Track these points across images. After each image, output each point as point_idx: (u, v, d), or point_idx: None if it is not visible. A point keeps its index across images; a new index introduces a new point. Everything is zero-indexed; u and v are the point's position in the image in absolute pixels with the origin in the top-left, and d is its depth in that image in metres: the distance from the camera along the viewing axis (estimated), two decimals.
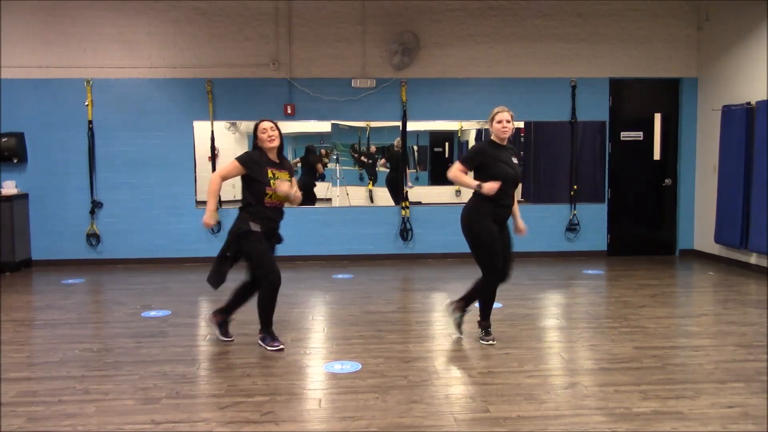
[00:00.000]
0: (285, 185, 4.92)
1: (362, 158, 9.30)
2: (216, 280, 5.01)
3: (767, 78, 7.79)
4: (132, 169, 8.86)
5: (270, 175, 4.92)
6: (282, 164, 5.05)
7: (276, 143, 4.97)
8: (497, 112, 5.04)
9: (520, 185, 5.20)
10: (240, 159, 4.97)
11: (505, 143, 5.07)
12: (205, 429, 3.65)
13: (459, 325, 5.32)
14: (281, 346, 5.03)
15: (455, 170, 5.01)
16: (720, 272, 8.14)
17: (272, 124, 5.01)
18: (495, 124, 5.02)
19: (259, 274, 4.97)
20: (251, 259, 4.97)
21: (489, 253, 5.00)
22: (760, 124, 7.76)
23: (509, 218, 5.14)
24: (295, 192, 5.01)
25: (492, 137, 5.08)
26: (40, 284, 7.84)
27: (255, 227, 4.92)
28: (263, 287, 4.97)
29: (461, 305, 5.29)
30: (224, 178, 4.95)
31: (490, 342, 5.13)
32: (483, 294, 5.15)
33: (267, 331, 5.09)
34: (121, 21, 8.72)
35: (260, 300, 5.00)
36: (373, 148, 9.30)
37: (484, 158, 4.99)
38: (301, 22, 8.89)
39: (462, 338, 5.28)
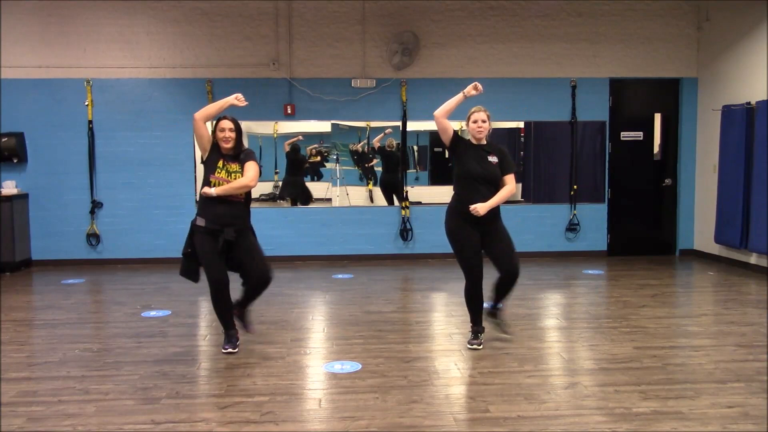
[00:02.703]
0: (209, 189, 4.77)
1: (365, 164, 9.28)
2: (186, 275, 4.99)
3: (767, 78, 7.80)
4: (132, 169, 8.86)
5: (220, 165, 4.82)
6: (236, 157, 4.87)
7: (230, 145, 4.83)
8: (472, 112, 4.97)
9: (513, 185, 4.95)
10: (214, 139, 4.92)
11: (481, 143, 4.96)
12: (205, 429, 3.65)
13: (499, 326, 5.20)
14: (231, 350, 4.94)
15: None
16: (720, 272, 8.14)
17: (231, 125, 4.85)
18: (470, 124, 4.95)
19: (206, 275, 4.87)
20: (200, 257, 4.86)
21: (459, 255, 4.97)
22: (760, 124, 7.76)
23: (494, 215, 4.91)
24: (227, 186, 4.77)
25: (468, 137, 4.99)
26: (40, 284, 7.84)
27: (200, 221, 4.81)
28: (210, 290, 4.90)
29: (489, 311, 5.21)
30: (202, 118, 4.88)
31: (475, 347, 5.01)
32: (465, 296, 5.08)
33: (225, 333, 5.04)
34: (121, 21, 8.72)
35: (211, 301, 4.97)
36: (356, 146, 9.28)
37: (460, 144, 4.94)
38: (301, 22, 8.89)
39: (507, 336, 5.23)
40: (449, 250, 4.80)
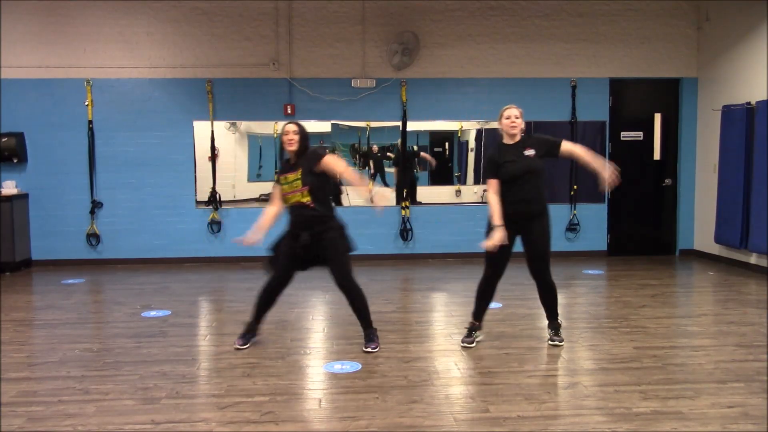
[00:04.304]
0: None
1: (370, 160, 9.30)
2: (266, 267, 5.20)
3: (767, 78, 7.79)
4: (132, 169, 8.86)
5: (281, 180, 4.96)
6: (295, 165, 4.91)
7: (293, 147, 4.91)
8: (505, 109, 5.01)
9: (575, 146, 5.02)
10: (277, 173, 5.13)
11: (516, 140, 4.98)
12: (205, 429, 3.65)
13: (551, 337, 5.18)
14: (238, 346, 5.04)
15: (491, 193, 4.93)
16: (720, 272, 8.14)
17: (295, 128, 4.93)
18: (503, 121, 4.98)
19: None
20: None
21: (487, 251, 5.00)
22: (760, 124, 7.76)
23: (537, 214, 4.93)
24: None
25: (503, 138, 5.04)
26: (40, 284, 7.84)
27: (287, 225, 5.06)
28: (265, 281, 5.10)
29: (549, 324, 5.22)
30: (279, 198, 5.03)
31: (467, 345, 5.05)
32: (477, 287, 5.13)
33: (245, 326, 5.17)
34: (121, 21, 8.72)
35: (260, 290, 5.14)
36: (375, 148, 9.28)
37: (494, 165, 4.96)
38: (301, 22, 8.89)
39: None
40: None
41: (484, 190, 9.39)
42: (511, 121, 4.95)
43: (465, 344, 5.07)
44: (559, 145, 5.05)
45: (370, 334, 5.05)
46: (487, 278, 5.06)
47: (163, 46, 8.79)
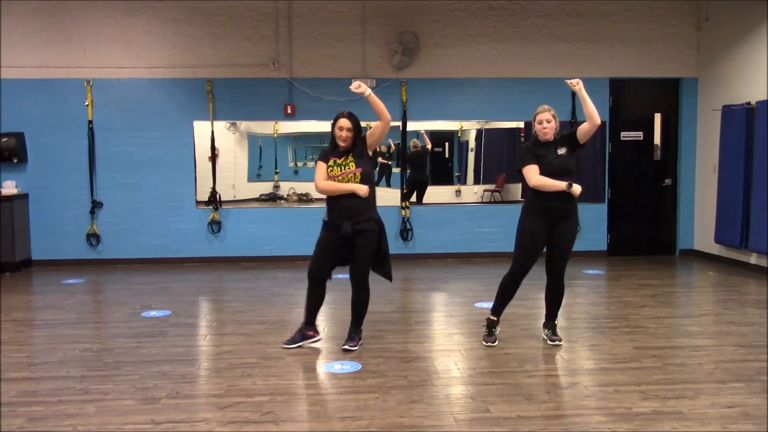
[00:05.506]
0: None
1: (380, 159, 9.33)
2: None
3: (767, 78, 7.79)
4: (132, 169, 8.86)
5: (330, 163, 4.91)
6: (346, 152, 4.90)
7: (346, 144, 4.89)
8: (538, 113, 5.00)
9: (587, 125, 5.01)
10: (319, 158, 5.01)
11: (549, 140, 5.01)
12: (205, 429, 3.65)
13: (550, 338, 5.20)
14: (286, 346, 5.05)
15: (534, 176, 4.89)
16: (720, 272, 8.14)
17: (349, 124, 4.89)
18: (536, 125, 5.00)
19: None
20: None
21: (518, 247, 5.03)
22: (760, 124, 7.76)
23: (569, 213, 4.95)
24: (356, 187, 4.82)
25: (537, 135, 5.05)
26: (40, 284, 7.84)
27: (324, 216, 4.99)
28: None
29: (546, 323, 5.27)
30: (325, 180, 4.91)
31: (490, 344, 5.08)
32: (500, 285, 5.14)
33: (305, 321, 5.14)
34: (121, 21, 8.71)
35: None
36: (383, 147, 9.29)
37: (531, 153, 4.99)
38: (301, 22, 8.89)
39: (552, 342, 5.15)
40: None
41: (485, 190, 9.51)
42: (543, 127, 4.96)
43: (488, 344, 5.08)
44: (575, 134, 5.06)
45: (353, 333, 5.10)
46: (514, 273, 5.06)
47: (163, 46, 8.79)
